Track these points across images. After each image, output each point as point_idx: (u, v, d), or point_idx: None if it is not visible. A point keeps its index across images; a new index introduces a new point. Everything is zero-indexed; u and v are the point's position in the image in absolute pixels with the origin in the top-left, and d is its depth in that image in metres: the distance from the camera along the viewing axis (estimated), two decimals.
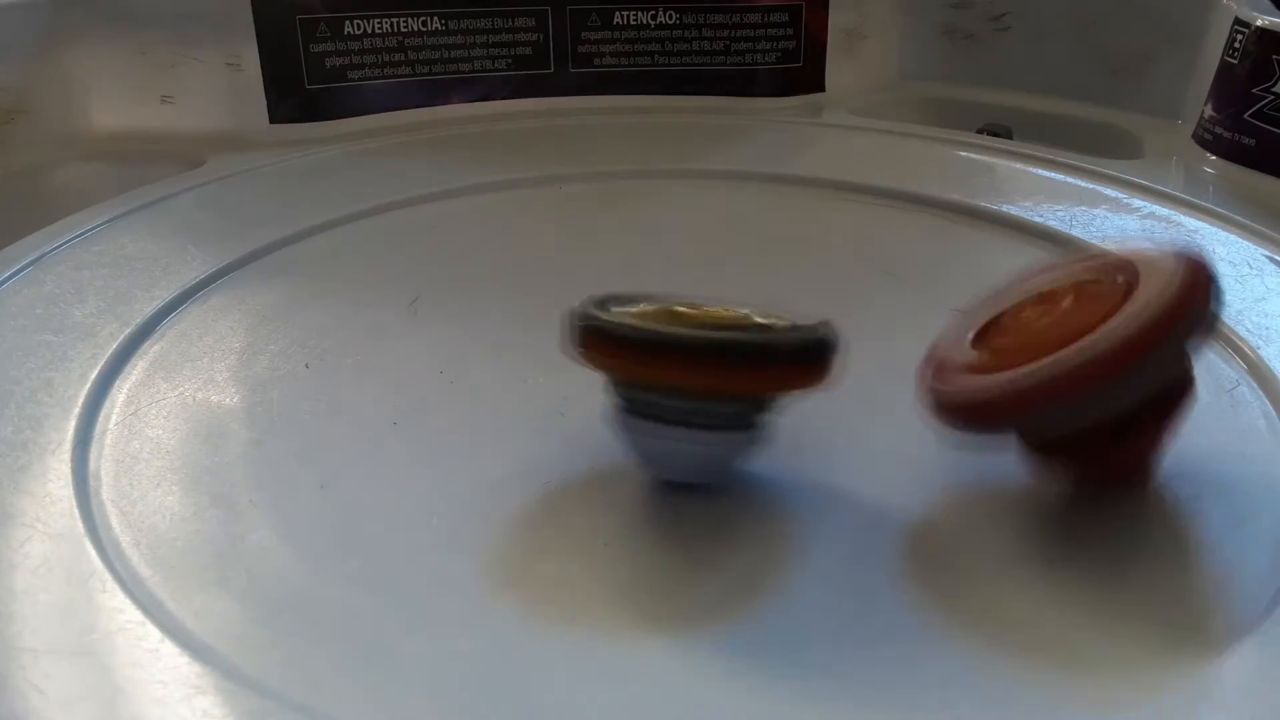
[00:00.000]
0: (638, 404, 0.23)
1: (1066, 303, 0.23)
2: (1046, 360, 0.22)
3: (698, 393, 0.22)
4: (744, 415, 0.23)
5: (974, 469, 0.25)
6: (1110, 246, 0.27)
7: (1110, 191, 0.38)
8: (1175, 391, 0.23)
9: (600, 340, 0.22)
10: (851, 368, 0.29)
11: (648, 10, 0.46)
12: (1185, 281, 0.22)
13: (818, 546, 0.23)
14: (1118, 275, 0.23)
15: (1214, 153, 0.41)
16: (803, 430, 0.27)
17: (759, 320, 0.23)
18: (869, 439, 0.26)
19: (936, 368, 0.24)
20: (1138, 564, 0.22)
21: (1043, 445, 0.23)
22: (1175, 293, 0.21)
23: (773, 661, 0.20)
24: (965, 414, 0.23)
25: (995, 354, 0.23)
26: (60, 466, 0.24)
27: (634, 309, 0.23)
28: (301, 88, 0.42)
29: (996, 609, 0.21)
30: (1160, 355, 0.21)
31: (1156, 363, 0.21)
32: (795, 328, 0.23)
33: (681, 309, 0.23)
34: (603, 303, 0.23)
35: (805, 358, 0.22)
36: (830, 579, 0.22)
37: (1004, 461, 0.24)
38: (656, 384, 0.22)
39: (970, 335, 0.24)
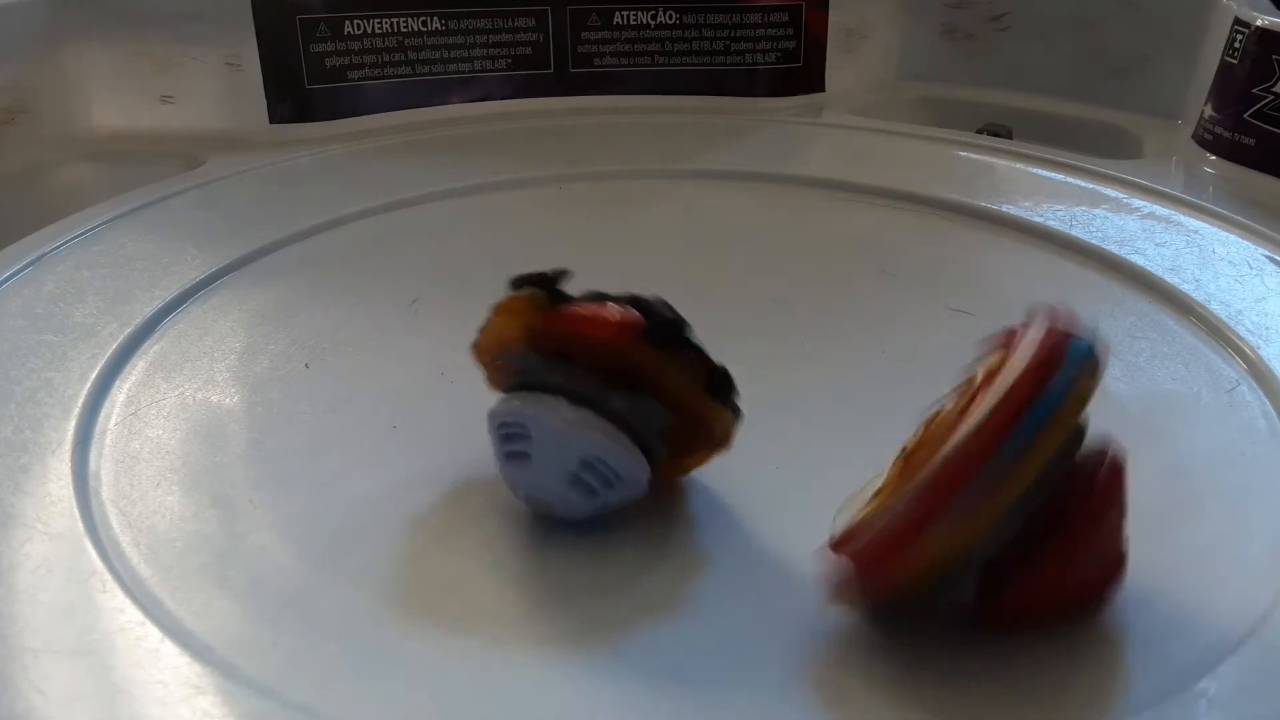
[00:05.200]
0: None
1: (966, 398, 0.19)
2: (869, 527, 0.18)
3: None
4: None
5: None
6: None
7: (1110, 191, 0.38)
8: (1064, 504, 0.19)
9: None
10: (849, 368, 0.29)
11: (648, 10, 0.46)
12: (1020, 380, 0.18)
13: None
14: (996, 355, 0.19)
15: (1214, 153, 0.41)
16: (798, 430, 0.27)
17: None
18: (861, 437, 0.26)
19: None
20: (1137, 564, 0.22)
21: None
22: (1007, 392, 0.18)
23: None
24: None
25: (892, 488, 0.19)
26: (60, 466, 0.24)
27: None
28: (301, 88, 0.42)
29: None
30: (995, 467, 0.18)
31: (997, 477, 0.18)
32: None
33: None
34: None
35: None
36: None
37: None
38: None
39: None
